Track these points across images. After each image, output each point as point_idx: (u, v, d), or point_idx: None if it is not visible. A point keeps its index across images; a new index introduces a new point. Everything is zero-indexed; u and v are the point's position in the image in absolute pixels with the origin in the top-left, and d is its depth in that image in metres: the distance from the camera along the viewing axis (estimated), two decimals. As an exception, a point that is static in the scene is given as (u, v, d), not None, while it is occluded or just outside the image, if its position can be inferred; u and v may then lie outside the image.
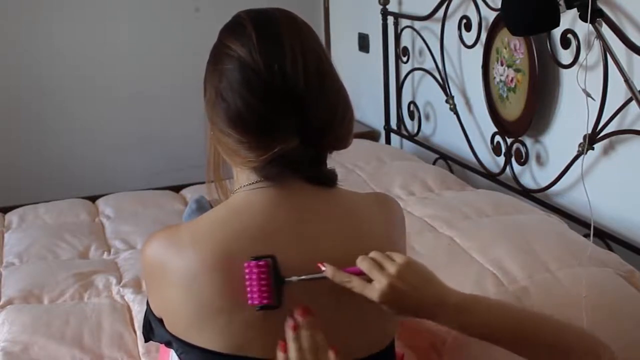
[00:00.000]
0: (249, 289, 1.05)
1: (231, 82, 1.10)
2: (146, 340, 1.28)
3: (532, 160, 2.47)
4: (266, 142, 1.07)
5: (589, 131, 2.03)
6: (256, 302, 1.05)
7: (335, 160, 1.20)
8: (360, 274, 1.08)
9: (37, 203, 2.71)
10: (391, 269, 1.06)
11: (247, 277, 1.05)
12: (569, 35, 2.13)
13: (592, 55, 2.05)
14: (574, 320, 1.42)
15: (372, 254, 1.09)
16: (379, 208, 1.22)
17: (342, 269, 1.08)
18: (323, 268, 1.08)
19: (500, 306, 1.21)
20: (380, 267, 1.06)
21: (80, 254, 2.27)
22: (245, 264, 1.05)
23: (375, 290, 1.05)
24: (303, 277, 1.07)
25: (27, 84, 3.59)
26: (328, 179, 1.16)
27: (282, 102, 1.08)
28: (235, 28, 1.15)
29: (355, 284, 1.07)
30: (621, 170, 2.09)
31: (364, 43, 3.61)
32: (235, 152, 1.11)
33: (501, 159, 2.60)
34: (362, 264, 1.07)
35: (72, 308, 1.89)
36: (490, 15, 2.56)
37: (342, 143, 1.15)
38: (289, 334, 1.04)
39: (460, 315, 1.10)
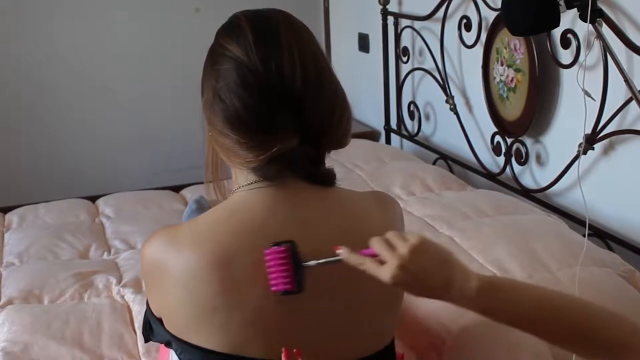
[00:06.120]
0: (271, 275, 1.06)
1: (228, 82, 1.10)
2: (146, 341, 1.28)
3: (532, 160, 2.47)
4: (265, 142, 1.08)
5: (589, 131, 2.03)
6: (281, 288, 1.06)
7: (335, 160, 1.20)
8: (374, 256, 1.04)
9: (37, 203, 2.71)
10: (402, 249, 1.01)
11: (268, 264, 1.05)
12: (569, 35, 2.13)
13: (592, 55, 2.05)
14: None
15: (387, 234, 1.05)
16: (378, 206, 1.22)
17: (358, 251, 1.06)
18: (339, 251, 1.06)
19: (532, 290, 1.11)
20: (393, 247, 1.03)
21: (80, 254, 2.27)
22: (266, 251, 1.05)
23: (386, 271, 1.01)
24: (321, 260, 1.07)
25: (27, 84, 3.59)
26: (327, 178, 1.16)
27: (280, 101, 1.08)
28: (231, 29, 1.15)
29: (368, 266, 1.04)
30: (621, 170, 2.09)
31: (364, 43, 3.61)
32: (234, 153, 1.11)
33: (501, 159, 2.59)
34: (374, 244, 1.04)
35: (72, 308, 1.89)
36: (490, 15, 2.56)
37: (340, 142, 1.15)
38: None
39: (481, 300, 1.04)
